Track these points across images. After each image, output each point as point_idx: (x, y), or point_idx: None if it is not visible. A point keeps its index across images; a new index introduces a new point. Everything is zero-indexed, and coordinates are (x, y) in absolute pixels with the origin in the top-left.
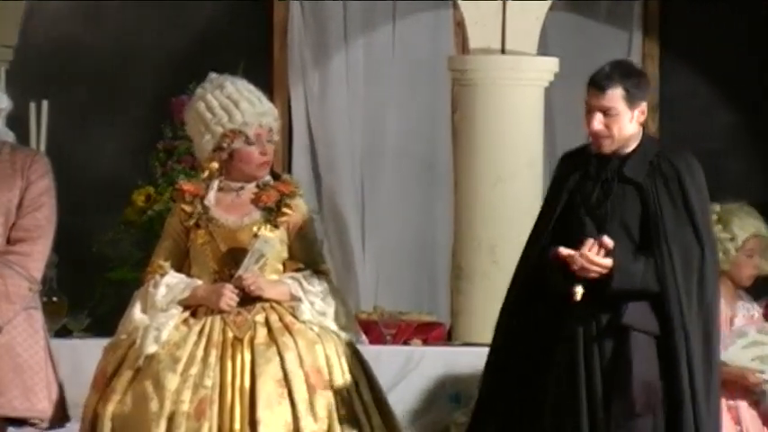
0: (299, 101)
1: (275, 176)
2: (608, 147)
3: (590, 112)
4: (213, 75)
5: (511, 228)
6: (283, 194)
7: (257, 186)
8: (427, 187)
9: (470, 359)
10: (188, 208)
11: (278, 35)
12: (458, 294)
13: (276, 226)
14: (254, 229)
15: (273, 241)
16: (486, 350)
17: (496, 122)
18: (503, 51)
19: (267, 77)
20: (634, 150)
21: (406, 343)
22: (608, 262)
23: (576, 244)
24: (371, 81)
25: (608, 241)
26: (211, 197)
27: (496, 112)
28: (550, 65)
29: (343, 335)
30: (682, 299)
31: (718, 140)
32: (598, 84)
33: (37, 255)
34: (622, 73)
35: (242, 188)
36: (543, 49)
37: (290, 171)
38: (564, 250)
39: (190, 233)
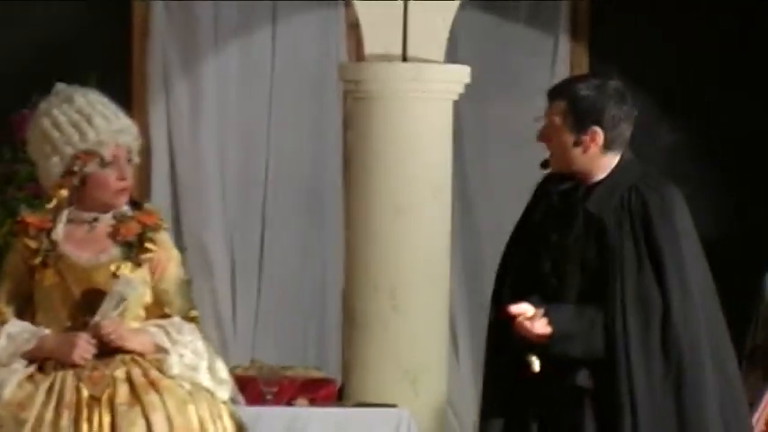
0: (160, 116)
1: (135, 205)
2: (557, 166)
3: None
4: (60, 86)
5: (413, 267)
6: (146, 227)
7: (114, 217)
8: (314, 219)
9: (364, 422)
10: (32, 244)
11: (137, 39)
12: (350, 345)
13: (138, 264)
14: (113, 267)
15: (135, 282)
16: (382, 410)
17: (396, 143)
18: (404, 58)
19: (125, 89)
20: (602, 181)
21: (289, 403)
22: (546, 330)
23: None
24: (248, 93)
25: (537, 321)
26: (60, 230)
27: (397, 130)
28: (460, 74)
29: (218, 393)
30: (633, 368)
31: (657, 163)
32: (549, 92)
33: None
34: (577, 88)
35: (96, 219)
36: (452, 56)
37: (149, 199)
38: (511, 309)
39: (35, 273)
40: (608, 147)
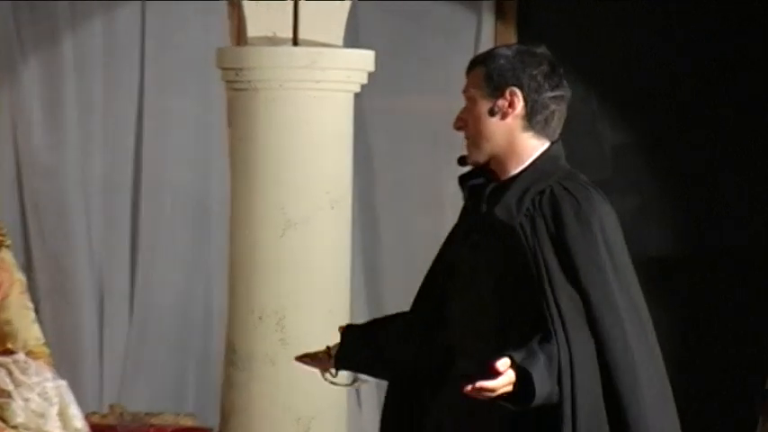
0: (2, 110)
1: None
2: (473, 154)
3: None
4: None
5: (306, 292)
6: None
7: None
8: (199, 235)
9: None
10: None
11: None
12: (230, 387)
13: None
14: None
15: None
16: None
17: (286, 143)
18: (295, 42)
19: None
20: (517, 176)
21: None
22: (508, 384)
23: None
24: (113, 83)
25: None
26: None
27: (286, 128)
28: (363, 61)
29: None
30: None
31: (600, 168)
32: (469, 64)
33: None
34: (497, 51)
35: None
36: (353, 40)
37: None
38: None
39: None
40: (530, 122)
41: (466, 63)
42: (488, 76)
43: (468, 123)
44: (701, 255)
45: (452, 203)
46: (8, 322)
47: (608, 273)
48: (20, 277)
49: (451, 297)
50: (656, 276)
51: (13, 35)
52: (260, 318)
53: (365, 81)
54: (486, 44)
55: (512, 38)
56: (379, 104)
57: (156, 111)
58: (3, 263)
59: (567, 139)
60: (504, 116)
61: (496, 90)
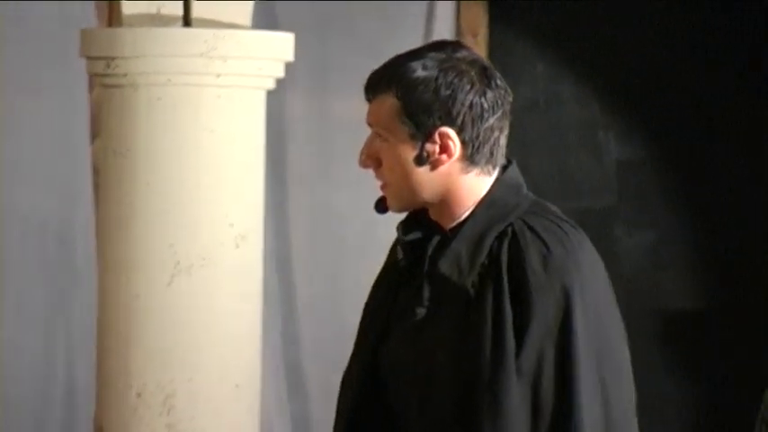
0: None
1: None
2: (394, 204)
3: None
4: None
5: (203, 361)
6: None
7: None
8: (57, 281)
9: None
10: None
11: None
12: None
13: None
14: None
15: None
16: None
17: (176, 159)
18: (186, 22)
19: None
20: (465, 221)
21: None
22: None
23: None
24: None
25: None
26: None
27: (176, 138)
28: (280, 48)
29: None
30: None
31: (605, 190)
32: (366, 84)
33: None
34: (409, 69)
35: None
36: (266, 20)
37: None
38: None
39: None
40: (472, 160)
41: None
42: (406, 112)
43: (380, 165)
44: (733, 308)
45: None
46: None
47: (579, 368)
48: None
49: (401, 401)
50: (675, 337)
51: None
52: (139, 395)
53: (282, 74)
54: (444, 26)
55: (481, 14)
56: (301, 106)
57: (4, 115)
58: None
59: (558, 155)
60: (436, 165)
61: (421, 132)
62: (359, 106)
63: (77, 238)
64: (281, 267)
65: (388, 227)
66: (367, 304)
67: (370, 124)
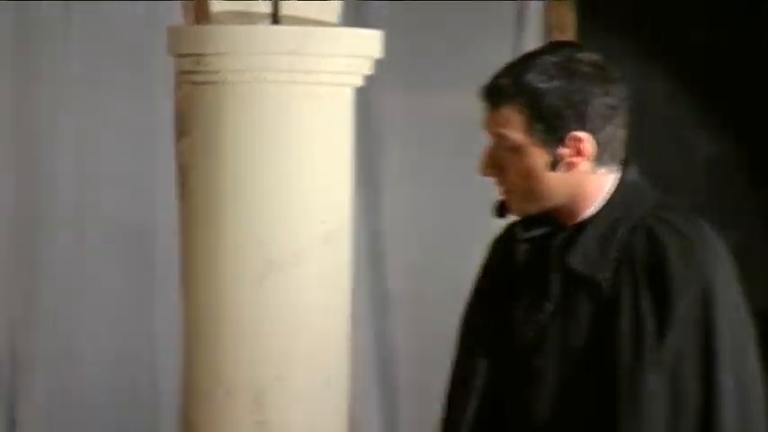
0: None
1: None
2: (522, 207)
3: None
4: None
5: (293, 358)
6: None
7: None
8: (136, 280)
9: None
10: None
11: None
12: None
13: None
14: None
15: None
16: None
17: (266, 156)
18: (275, 20)
19: None
20: (590, 219)
21: None
22: None
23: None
24: (24, 72)
25: None
26: None
27: (265, 135)
28: (368, 45)
29: None
30: None
31: (692, 189)
32: (486, 93)
33: None
34: (533, 78)
35: None
36: (355, 17)
37: None
38: None
39: None
40: (600, 160)
41: (503, 47)
42: (536, 120)
43: (508, 174)
44: None
45: (484, 233)
46: None
47: (721, 364)
48: None
49: (529, 400)
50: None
51: None
52: (228, 393)
53: (370, 72)
54: (533, 23)
55: (569, 13)
56: (390, 102)
57: (76, 110)
58: None
59: (646, 152)
60: (568, 168)
61: (553, 138)
62: (447, 103)
63: (159, 237)
64: (374, 265)
65: (480, 224)
66: (471, 309)
67: (492, 133)
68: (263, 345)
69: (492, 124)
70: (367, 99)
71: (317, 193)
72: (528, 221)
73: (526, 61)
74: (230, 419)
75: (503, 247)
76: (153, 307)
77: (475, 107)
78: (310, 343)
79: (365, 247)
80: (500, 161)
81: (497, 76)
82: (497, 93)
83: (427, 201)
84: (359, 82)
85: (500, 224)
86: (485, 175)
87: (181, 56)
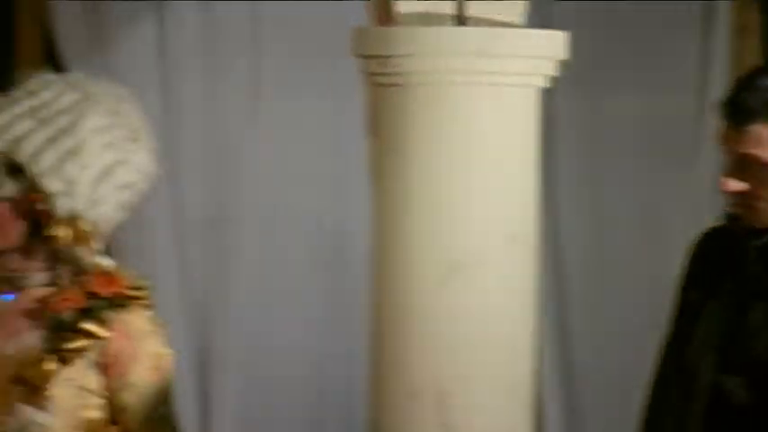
0: None
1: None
2: (764, 219)
3: (725, 155)
4: None
5: (477, 361)
6: (99, 298)
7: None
8: (332, 280)
9: None
10: None
11: None
12: None
13: (64, 361)
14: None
15: (44, 418)
16: None
17: (450, 157)
18: (460, 21)
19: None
20: None
21: None
22: None
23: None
24: (214, 77)
25: None
26: None
27: (450, 136)
28: (553, 47)
29: None
30: None
31: None
32: (731, 111)
33: None
34: None
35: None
36: (541, 18)
37: None
38: None
39: None
40: None
41: (689, 48)
42: None
43: (757, 188)
44: None
45: (677, 237)
46: (126, 409)
47: None
48: (152, 350)
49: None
50: None
51: (77, 24)
52: (414, 394)
53: (555, 73)
54: (720, 25)
55: (754, 13)
56: (575, 105)
57: (267, 113)
58: (124, 326)
59: None
60: None
61: None
62: (632, 104)
63: (352, 237)
64: (555, 265)
65: (656, 224)
66: (683, 314)
67: (736, 151)
68: (447, 346)
69: (738, 143)
70: (550, 100)
71: (502, 195)
72: (732, 231)
73: (757, 76)
74: (415, 421)
75: (715, 250)
76: (346, 307)
77: (660, 109)
78: (495, 345)
79: (544, 248)
80: (745, 177)
81: (740, 94)
82: (745, 111)
83: (605, 201)
84: (543, 83)
85: (674, 226)
86: (732, 190)
87: (366, 57)
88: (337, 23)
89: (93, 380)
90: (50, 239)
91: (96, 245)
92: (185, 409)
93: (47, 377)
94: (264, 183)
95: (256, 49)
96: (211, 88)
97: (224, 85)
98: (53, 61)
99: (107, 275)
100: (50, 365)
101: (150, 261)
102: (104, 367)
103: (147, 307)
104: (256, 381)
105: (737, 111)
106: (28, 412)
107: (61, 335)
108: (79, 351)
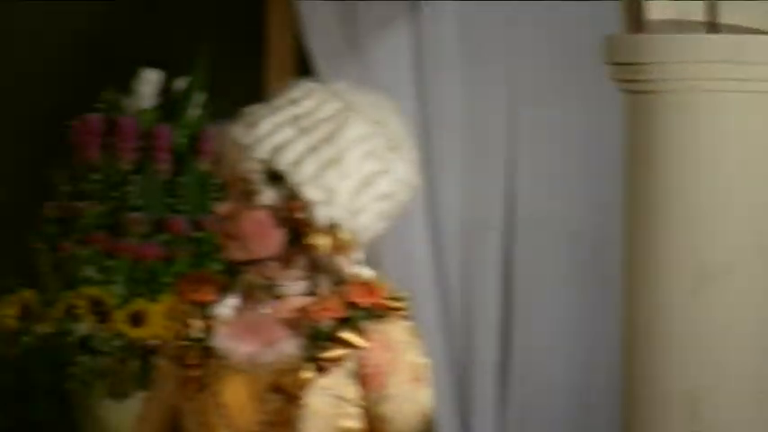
0: None
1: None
2: None
3: None
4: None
5: (729, 369)
6: (358, 308)
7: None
8: (586, 288)
9: None
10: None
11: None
12: None
13: (321, 369)
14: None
15: None
16: None
17: (699, 165)
18: (712, 28)
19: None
20: None
21: None
22: None
23: None
24: (475, 89)
25: None
26: (227, 307)
27: (700, 144)
28: None
29: None
30: None
31: None
32: None
33: None
34: None
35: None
36: None
37: None
38: None
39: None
40: None
41: None
42: None
43: None
44: None
45: None
46: (382, 420)
47: None
48: (411, 361)
49: None
50: None
51: (329, 29)
52: (664, 402)
53: None
54: None
55: None
56: None
57: (525, 120)
58: (383, 337)
59: None
60: None
61: None
62: None
63: (610, 245)
64: None
65: None
66: None
67: None
68: (697, 355)
69: None
70: None
71: (752, 203)
72: None
73: None
74: (667, 429)
75: None
76: (602, 315)
77: None
78: (746, 353)
79: None
80: None
81: None
82: None
83: None
84: None
85: None
86: None
87: (618, 64)
88: (594, 27)
89: (350, 390)
90: (309, 248)
91: (356, 255)
92: (444, 420)
93: (304, 386)
94: (522, 192)
95: (510, 50)
96: (469, 94)
97: (485, 87)
98: (304, 70)
99: (366, 286)
100: (307, 374)
101: (407, 271)
102: (362, 378)
103: (406, 318)
104: (531, 388)
105: None
106: None
107: (319, 344)
108: (337, 360)
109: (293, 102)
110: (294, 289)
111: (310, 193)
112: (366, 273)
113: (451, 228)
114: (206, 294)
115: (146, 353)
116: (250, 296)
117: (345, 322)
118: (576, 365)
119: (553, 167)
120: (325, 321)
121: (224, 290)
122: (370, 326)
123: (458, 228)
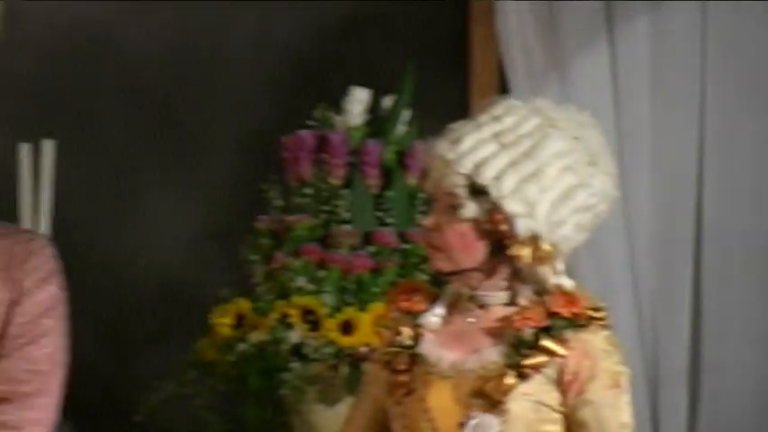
0: None
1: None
2: None
3: None
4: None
5: None
6: (560, 317)
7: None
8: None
9: None
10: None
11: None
12: None
13: (522, 375)
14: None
15: (495, 425)
16: None
17: None
18: None
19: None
20: None
21: None
22: None
23: None
24: (665, 100)
25: None
26: (435, 316)
27: None
28: None
29: None
30: None
31: None
32: None
33: (33, 425)
34: None
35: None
36: None
37: None
38: None
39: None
40: None
41: None
42: None
43: None
44: None
45: None
46: (582, 425)
47: None
48: (609, 368)
49: None
50: None
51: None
52: None
53: None
54: None
55: None
56: None
57: (716, 135)
58: (583, 346)
59: None
60: None
61: None
62: None
63: None
64: None
65: None
66: None
67: None
68: None
69: None
70: None
71: None
72: None
73: None
74: None
75: None
76: None
77: None
78: None
79: None
80: None
81: None
82: None
83: None
84: None
85: None
86: None
87: None
88: None
89: (551, 396)
90: (512, 259)
91: (558, 265)
92: (640, 427)
93: (506, 391)
94: (715, 198)
95: (703, 66)
96: (660, 107)
97: (672, 105)
98: (506, 87)
99: (568, 296)
100: (510, 380)
101: (603, 282)
102: (563, 384)
103: (605, 327)
104: (709, 395)
105: None
106: (486, 419)
107: (522, 352)
108: (538, 367)
109: (495, 118)
110: (497, 299)
111: (511, 206)
112: (567, 283)
113: (644, 240)
114: (417, 303)
115: (355, 360)
116: (455, 306)
117: (547, 331)
118: (761, 374)
119: (741, 181)
120: (528, 330)
121: (433, 299)
122: (571, 335)
123: (649, 240)
